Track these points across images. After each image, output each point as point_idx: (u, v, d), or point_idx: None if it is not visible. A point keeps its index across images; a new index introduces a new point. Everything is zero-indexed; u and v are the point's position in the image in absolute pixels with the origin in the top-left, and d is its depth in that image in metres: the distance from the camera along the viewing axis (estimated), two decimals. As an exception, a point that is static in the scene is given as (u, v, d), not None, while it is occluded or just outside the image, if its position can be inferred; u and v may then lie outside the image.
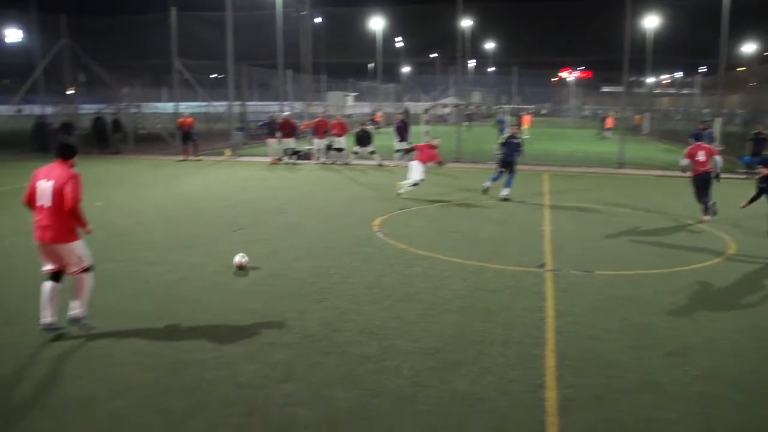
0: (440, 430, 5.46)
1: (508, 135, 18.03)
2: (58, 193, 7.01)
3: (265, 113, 36.40)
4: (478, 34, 73.90)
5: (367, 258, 10.99)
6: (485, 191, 17.32)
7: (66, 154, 7.30)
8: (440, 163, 18.15)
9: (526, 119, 49.23)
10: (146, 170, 23.73)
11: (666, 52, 51.75)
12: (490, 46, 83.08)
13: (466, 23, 57.07)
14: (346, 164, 25.78)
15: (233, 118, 31.86)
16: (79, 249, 7.30)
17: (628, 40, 26.50)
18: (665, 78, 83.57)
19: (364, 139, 25.95)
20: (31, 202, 7.24)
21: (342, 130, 26.28)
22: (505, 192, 17.27)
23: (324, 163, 26.05)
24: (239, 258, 10.04)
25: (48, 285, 7.24)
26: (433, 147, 17.97)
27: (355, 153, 26.04)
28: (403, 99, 68.11)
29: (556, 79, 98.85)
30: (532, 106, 76.36)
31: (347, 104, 58.28)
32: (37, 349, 7.00)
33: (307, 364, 6.68)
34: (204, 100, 34.08)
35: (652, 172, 24.73)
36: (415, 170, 17.34)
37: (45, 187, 7.07)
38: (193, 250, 11.50)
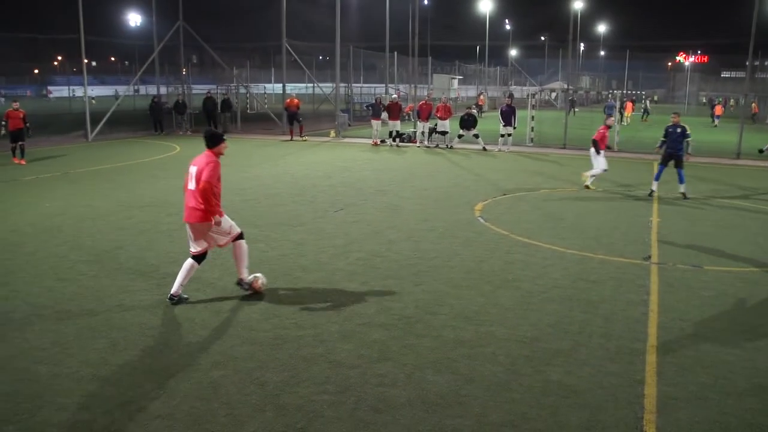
0: (533, 419, 5.39)
1: (669, 124, 16.02)
2: (198, 178, 7.60)
3: (370, 95, 36.73)
4: (588, 17, 71.79)
5: (468, 242, 10.94)
6: (650, 195, 15.92)
7: (209, 142, 7.80)
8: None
9: (629, 106, 47.62)
10: (253, 149, 24.44)
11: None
12: (601, 29, 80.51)
13: (577, 5, 55.51)
14: (450, 148, 25.69)
15: (339, 99, 32.30)
16: (225, 224, 7.88)
17: (754, 20, 24.91)
18: (792, 64, 78.54)
19: (468, 122, 25.76)
20: (185, 186, 7.85)
21: (447, 113, 26.17)
22: (681, 188, 15.81)
23: (427, 146, 26.05)
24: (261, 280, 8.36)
25: (188, 262, 7.87)
26: (608, 128, 17.00)
27: (460, 137, 25.89)
28: (509, 83, 67.11)
29: (672, 63, 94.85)
30: (644, 92, 73.46)
31: (453, 87, 57.94)
32: (151, 317, 7.39)
33: (401, 345, 6.73)
34: (311, 82, 34.69)
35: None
36: (600, 160, 16.55)
37: (191, 172, 7.73)
38: (295, 228, 11.78)
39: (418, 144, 26.59)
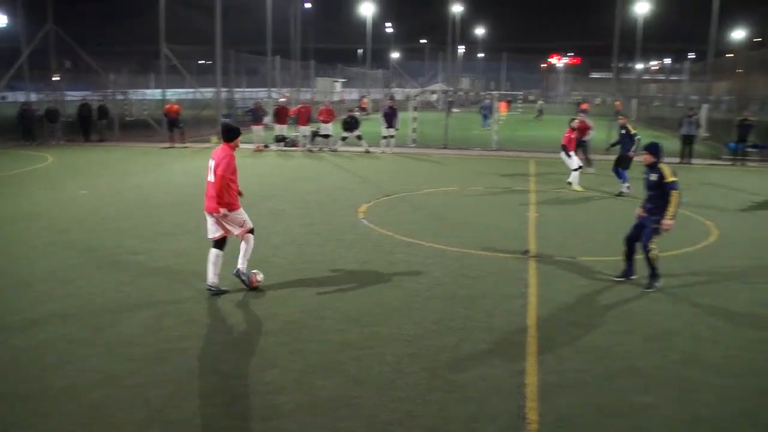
0: (420, 416, 5.49)
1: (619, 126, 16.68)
2: (216, 169, 8.15)
3: (253, 100, 36.24)
4: (467, 20, 73.70)
5: (352, 245, 11.00)
6: (620, 195, 16.31)
7: (226, 136, 8.44)
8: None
9: (503, 105, 49.55)
10: (132, 158, 23.60)
11: (655, 38, 51.80)
12: (479, 32, 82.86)
13: (456, 9, 56.99)
14: (334, 151, 25.74)
15: (220, 104, 31.69)
16: (238, 217, 8.45)
17: (618, 26, 26.46)
18: (654, 64, 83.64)
19: (351, 125, 25.89)
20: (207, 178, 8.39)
21: (329, 116, 26.20)
22: (623, 187, 16.45)
23: (310, 150, 25.98)
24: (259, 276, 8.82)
25: (212, 253, 8.40)
26: (573, 130, 17.68)
27: (343, 139, 25.99)
28: (391, 85, 67.94)
29: (546, 65, 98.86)
30: (521, 92, 76.31)
31: (335, 90, 58.10)
32: (25, 338, 7.00)
33: (288, 351, 6.69)
34: (191, 87, 33.87)
35: (638, 158, 24.73)
36: (574, 160, 17.12)
37: (210, 165, 8.29)
38: (178, 237, 11.49)
39: (301, 148, 26.48)
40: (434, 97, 62.09)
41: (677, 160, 23.69)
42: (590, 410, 5.64)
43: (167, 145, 27.24)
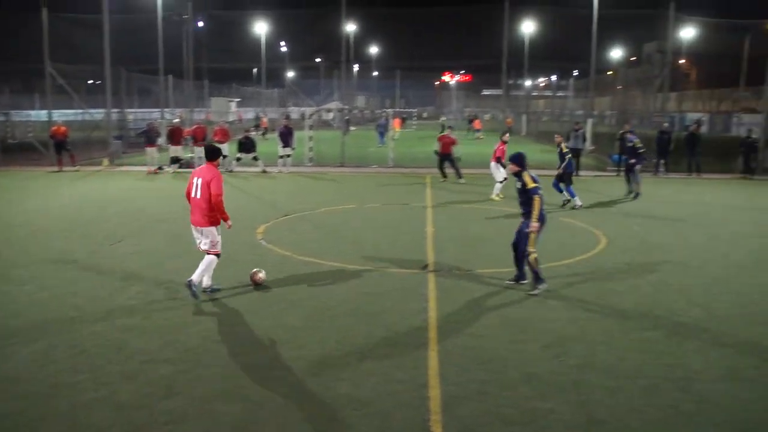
0: (325, 436, 5.49)
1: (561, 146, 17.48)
2: (205, 188, 8.98)
3: (146, 120, 35.29)
4: (362, 39, 74.47)
5: (251, 266, 10.84)
6: (575, 207, 16.98)
7: (210, 156, 9.34)
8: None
9: (397, 122, 50.62)
10: (17, 183, 22.48)
11: (542, 56, 53.94)
12: (373, 50, 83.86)
13: (350, 28, 57.47)
14: (230, 171, 25.37)
15: (111, 125, 30.68)
16: (214, 235, 9.20)
17: (506, 45, 27.48)
18: (542, 81, 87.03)
19: (247, 145, 25.61)
20: (188, 194, 9.24)
21: (224, 136, 25.85)
22: (575, 201, 17.12)
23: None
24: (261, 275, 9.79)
25: (207, 258, 9.13)
26: (504, 143, 18.93)
27: (238, 160, 25.66)
28: (287, 104, 67.73)
29: (439, 82, 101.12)
30: (415, 110, 77.64)
31: (231, 110, 57.41)
32: None
33: (189, 378, 6.54)
34: (80, 107, 32.64)
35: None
36: (501, 171, 18.19)
37: (196, 183, 9.09)
38: (68, 265, 11.02)
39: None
40: (330, 115, 62.27)
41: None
42: (492, 419, 5.79)
43: (55, 168, 26.10)
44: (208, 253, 9.15)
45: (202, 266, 9.05)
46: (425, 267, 10.90)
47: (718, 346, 7.59)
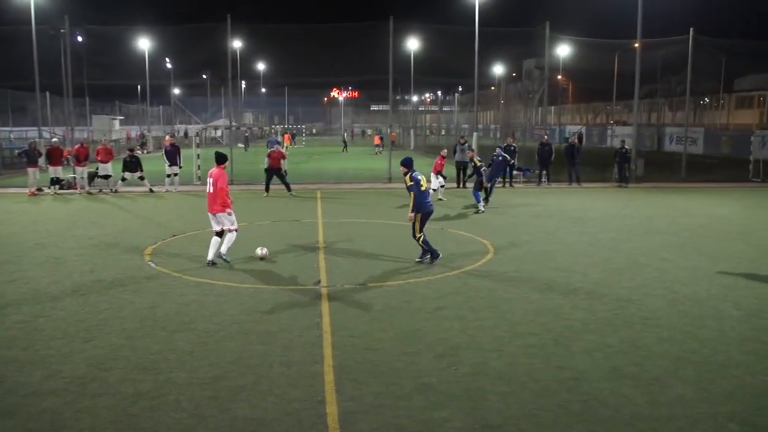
0: (221, 460, 5.36)
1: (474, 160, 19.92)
2: (215, 184, 11.94)
3: (23, 140, 33.56)
4: (249, 55, 73.73)
5: (139, 289, 10.51)
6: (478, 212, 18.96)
7: (219, 161, 12.26)
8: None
9: (286, 138, 51.26)
10: None
11: (428, 72, 55.15)
12: (261, 66, 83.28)
13: (237, 44, 56.82)
14: (115, 192, 24.50)
15: (-18, 146, 29.01)
16: (228, 217, 12.22)
17: (391, 61, 27.93)
18: (428, 96, 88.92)
19: (132, 165, 24.82)
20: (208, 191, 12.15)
21: (108, 155, 24.95)
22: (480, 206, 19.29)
23: (90, 192, 24.52)
24: (261, 252, 12.65)
25: (214, 239, 12.22)
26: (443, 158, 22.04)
27: (123, 180, 24.81)
28: (173, 122, 66.14)
29: (327, 99, 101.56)
30: (304, 126, 77.63)
31: (114, 128, 55.51)
32: None
33: (75, 410, 6.22)
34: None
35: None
36: (438, 180, 21.00)
37: (209, 180, 12.11)
38: (-64, 296, 10.29)
39: (79, 190, 24.91)
40: (218, 132, 61.27)
41: (455, 185, 25.32)
42: (389, 431, 5.83)
43: None
44: (230, 231, 12.21)
45: (226, 243, 12.20)
46: (318, 282, 10.88)
47: (602, 347, 7.95)
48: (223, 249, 12.19)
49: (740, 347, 8.01)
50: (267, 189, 22.90)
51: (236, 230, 12.37)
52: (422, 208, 12.11)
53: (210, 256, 12.10)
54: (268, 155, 23.23)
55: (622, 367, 7.31)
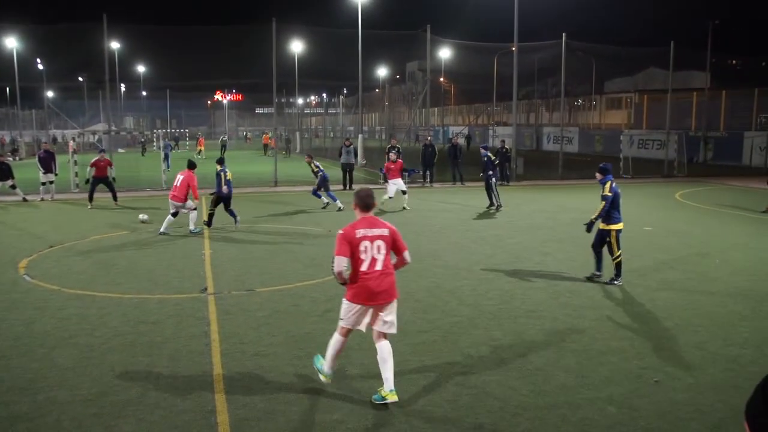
0: (106, 478, 5.18)
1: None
2: (183, 182, 15.51)
3: None
4: (128, 57, 71.10)
5: (14, 305, 9.96)
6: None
7: (190, 166, 16.03)
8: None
9: (201, 141, 50.89)
10: None
11: (312, 75, 55.01)
12: (141, 69, 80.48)
13: (114, 45, 54.69)
14: (-17, 202, 23.07)
15: None
16: (190, 204, 15.78)
17: (275, 64, 27.72)
18: (313, 99, 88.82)
19: (2, 172, 23.44)
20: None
21: (-27, 164, 23.45)
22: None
23: (-46, 203, 22.99)
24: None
25: (169, 217, 15.80)
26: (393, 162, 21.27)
27: (-7, 189, 23.41)
28: (48, 126, 62.97)
29: (211, 102, 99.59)
30: (187, 130, 75.84)
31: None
32: None
33: (-57, 436, 5.87)
34: None
35: (305, 188, 26.23)
36: (391, 187, 20.57)
37: (178, 178, 15.60)
38: None
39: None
40: (96, 137, 58.86)
41: (341, 187, 25.44)
42: (281, 437, 5.82)
43: None
44: (190, 210, 15.83)
45: (192, 220, 15.95)
46: (204, 290, 10.68)
47: (489, 340, 8.22)
48: (191, 227, 15.91)
49: (616, 334, 8.49)
50: (90, 199, 21.20)
51: (195, 209, 16.02)
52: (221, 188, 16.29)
53: (162, 228, 15.73)
54: (94, 164, 21.04)
55: (508, 359, 7.59)
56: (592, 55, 48.04)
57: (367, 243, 6.36)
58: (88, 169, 21.15)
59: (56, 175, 23.98)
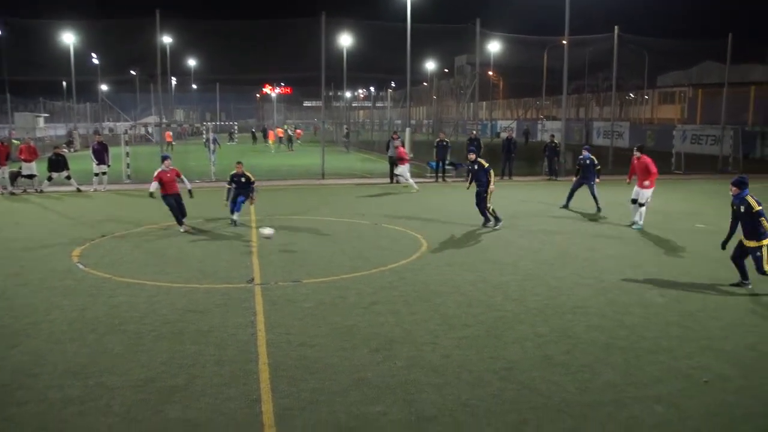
0: (154, 462, 5.29)
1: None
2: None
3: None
4: (179, 51, 72.20)
5: (67, 292, 10.23)
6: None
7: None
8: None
9: (271, 134, 51.39)
10: None
11: (360, 68, 55.13)
12: (192, 62, 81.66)
13: (166, 40, 55.63)
14: (40, 192, 23.72)
15: None
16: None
17: (323, 57, 27.84)
18: (361, 92, 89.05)
19: (58, 163, 24.07)
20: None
21: (31, 154, 24.10)
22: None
23: (13, 193, 23.67)
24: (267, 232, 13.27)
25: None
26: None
27: (50, 179, 24.05)
28: (102, 119, 64.41)
29: (260, 95, 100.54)
30: (236, 123, 76.70)
31: (39, 126, 53.68)
32: None
33: (0, 419, 6.04)
34: None
35: (351, 181, 26.30)
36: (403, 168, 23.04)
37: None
38: None
39: (1, 191, 24.01)
40: (149, 129, 60.01)
41: (387, 180, 25.47)
42: (326, 428, 5.85)
43: None
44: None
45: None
46: (251, 280, 10.79)
47: (533, 337, 8.14)
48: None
49: (666, 332, 8.32)
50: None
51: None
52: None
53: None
54: (158, 177, 15.47)
55: (553, 356, 7.50)
56: (645, 48, 47.05)
57: None
58: (153, 185, 15.64)
59: (109, 166, 24.51)
